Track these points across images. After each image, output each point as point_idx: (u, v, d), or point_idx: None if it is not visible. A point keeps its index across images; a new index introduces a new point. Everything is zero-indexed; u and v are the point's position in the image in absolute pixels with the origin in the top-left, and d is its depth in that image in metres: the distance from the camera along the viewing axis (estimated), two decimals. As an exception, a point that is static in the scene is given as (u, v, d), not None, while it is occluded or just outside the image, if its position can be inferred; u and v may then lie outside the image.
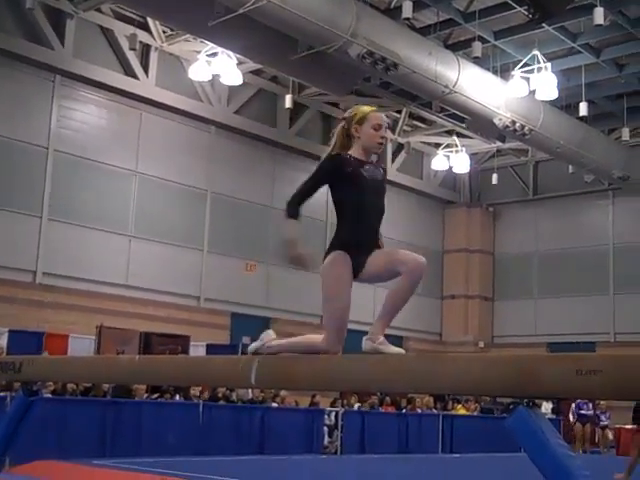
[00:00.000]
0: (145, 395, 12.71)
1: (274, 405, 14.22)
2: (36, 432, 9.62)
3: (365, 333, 3.81)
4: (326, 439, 14.21)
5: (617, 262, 21.69)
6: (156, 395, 12.91)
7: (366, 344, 3.77)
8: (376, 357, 3.67)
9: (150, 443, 11.34)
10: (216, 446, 12.10)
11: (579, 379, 2.89)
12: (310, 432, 13.70)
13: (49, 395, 11.22)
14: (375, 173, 3.99)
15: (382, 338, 3.75)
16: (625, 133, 18.85)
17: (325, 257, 3.89)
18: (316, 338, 3.97)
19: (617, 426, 17.73)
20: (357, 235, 3.87)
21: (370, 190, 3.92)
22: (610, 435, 18.11)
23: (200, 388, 12.96)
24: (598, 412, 17.55)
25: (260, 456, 12.49)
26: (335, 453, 13.98)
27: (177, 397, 13.15)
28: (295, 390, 13.13)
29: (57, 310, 14.87)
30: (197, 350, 15.23)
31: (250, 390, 13.82)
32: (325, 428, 14.24)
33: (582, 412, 17.32)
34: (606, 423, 17.76)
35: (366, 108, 4.04)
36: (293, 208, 3.89)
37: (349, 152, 3.96)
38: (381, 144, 4.00)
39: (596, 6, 13.26)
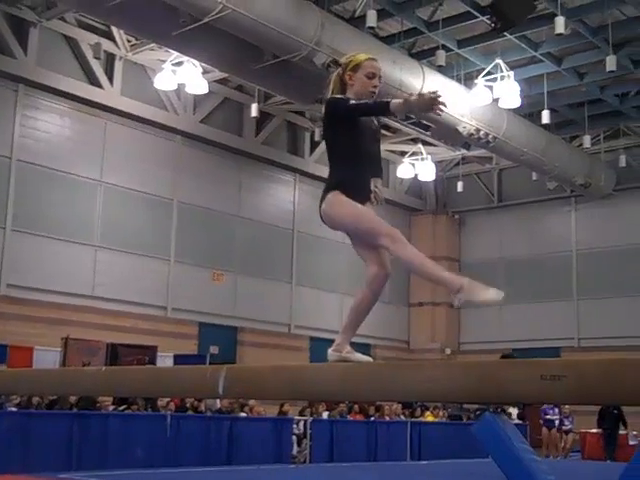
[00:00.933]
0: (112, 407, 12.57)
1: (242, 415, 14.14)
2: (0, 446, 9.49)
3: (333, 341, 3.81)
4: (295, 448, 14.14)
5: (580, 268, 21.98)
6: (123, 407, 12.78)
7: (332, 355, 3.73)
8: (344, 365, 3.68)
9: (117, 456, 11.20)
10: (184, 457, 12.00)
11: (543, 384, 2.93)
12: (279, 442, 13.62)
13: (13, 409, 11.09)
14: (370, 120, 3.95)
15: (349, 347, 3.74)
16: (586, 140, 19.14)
17: (322, 201, 3.79)
18: (409, 252, 3.66)
19: (582, 430, 17.88)
20: (352, 176, 3.79)
21: (366, 135, 3.88)
22: (572, 439, 18.22)
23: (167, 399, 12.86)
24: (562, 417, 17.67)
25: (228, 467, 12.41)
26: (304, 462, 13.92)
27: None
28: (263, 399, 13.08)
29: (22, 322, 14.67)
30: (164, 361, 15.14)
31: (218, 400, 13.74)
32: (294, 437, 14.18)
33: (548, 417, 17.45)
34: (569, 427, 17.88)
35: (361, 56, 3.98)
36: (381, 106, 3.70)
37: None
38: (374, 92, 3.93)
39: (557, 15, 13.47)
